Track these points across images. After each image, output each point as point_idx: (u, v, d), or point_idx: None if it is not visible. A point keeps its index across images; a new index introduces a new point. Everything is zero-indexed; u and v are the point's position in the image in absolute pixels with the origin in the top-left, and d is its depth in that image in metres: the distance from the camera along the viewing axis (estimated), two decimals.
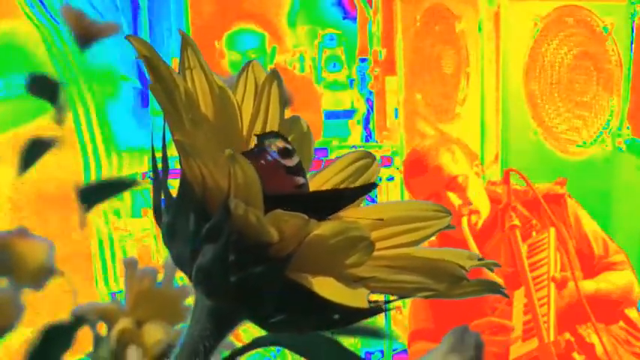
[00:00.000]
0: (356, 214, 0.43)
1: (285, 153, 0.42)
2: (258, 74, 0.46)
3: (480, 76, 2.97)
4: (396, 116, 3.75)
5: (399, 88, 3.71)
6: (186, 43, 0.44)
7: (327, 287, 0.37)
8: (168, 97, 0.40)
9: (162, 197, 0.43)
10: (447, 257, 0.40)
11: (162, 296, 0.44)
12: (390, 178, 3.22)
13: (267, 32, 3.62)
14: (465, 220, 2.02)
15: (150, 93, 0.41)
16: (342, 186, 0.47)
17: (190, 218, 0.40)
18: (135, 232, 2.82)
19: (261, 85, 0.46)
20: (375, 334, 0.44)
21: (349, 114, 3.82)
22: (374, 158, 0.48)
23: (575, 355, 1.69)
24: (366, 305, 0.37)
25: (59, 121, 0.42)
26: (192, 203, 0.40)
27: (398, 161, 3.17)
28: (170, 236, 0.41)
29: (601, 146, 2.33)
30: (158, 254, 2.82)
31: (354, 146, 3.22)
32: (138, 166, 3.05)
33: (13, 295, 0.36)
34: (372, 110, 3.77)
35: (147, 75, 0.41)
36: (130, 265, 0.46)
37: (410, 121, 3.65)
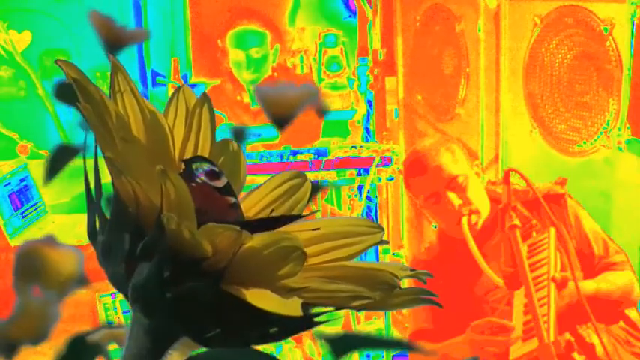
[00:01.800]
0: (291, 229, 0.43)
1: (213, 175, 0.42)
2: (188, 98, 0.46)
3: (480, 76, 2.97)
4: (396, 116, 3.75)
5: (399, 88, 3.71)
6: (116, 67, 0.44)
7: (261, 298, 0.38)
8: (98, 117, 0.41)
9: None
10: (381, 267, 0.41)
11: None
12: (390, 179, 3.22)
13: (269, 31, 3.62)
14: (464, 220, 2.02)
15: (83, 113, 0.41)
16: (274, 205, 0.47)
17: (125, 237, 0.41)
18: None
19: (191, 108, 0.46)
20: (400, 345, 0.44)
21: (349, 114, 3.83)
22: (305, 178, 0.49)
23: (575, 355, 1.69)
24: (299, 314, 0.37)
25: (86, 127, 0.42)
26: (126, 222, 0.41)
27: (398, 161, 3.17)
28: (105, 256, 0.42)
29: (601, 146, 2.33)
30: None
31: (354, 146, 3.22)
32: None
33: (50, 304, 0.36)
34: (372, 110, 3.77)
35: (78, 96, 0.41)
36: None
37: (410, 121, 3.65)
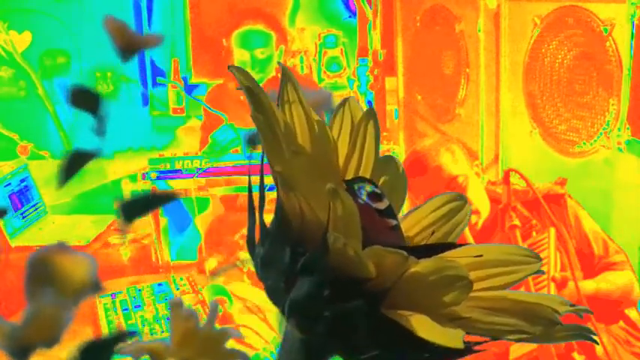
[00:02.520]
0: (452, 254, 0.42)
1: (375, 197, 0.41)
2: (354, 111, 0.46)
3: (480, 76, 2.97)
4: (396, 117, 3.75)
5: (399, 88, 3.71)
6: (286, 77, 0.43)
7: (422, 326, 0.37)
8: (269, 127, 0.40)
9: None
10: (541, 301, 0.40)
11: (206, 337, 0.44)
12: None
13: (275, 32, 3.62)
14: None
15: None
16: (433, 227, 0.46)
17: (286, 250, 0.40)
18: (135, 232, 2.82)
19: (357, 122, 0.45)
20: None
21: None
22: (466, 201, 0.48)
23: (575, 355, 1.69)
24: (461, 346, 0.36)
25: (100, 132, 0.42)
26: (289, 236, 0.40)
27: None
28: (264, 268, 0.41)
29: (601, 146, 2.33)
30: (158, 254, 2.82)
31: None
32: (137, 166, 3.05)
33: (62, 307, 0.36)
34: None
35: (249, 104, 0.41)
36: (175, 305, 0.46)
37: (410, 121, 3.65)
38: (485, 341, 0.40)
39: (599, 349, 1.78)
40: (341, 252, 0.36)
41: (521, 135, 2.73)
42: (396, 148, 3.30)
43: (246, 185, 0.47)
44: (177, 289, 2.25)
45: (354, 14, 3.85)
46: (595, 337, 0.41)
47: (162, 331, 1.98)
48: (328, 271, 0.38)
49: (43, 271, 0.37)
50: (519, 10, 2.70)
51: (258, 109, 0.40)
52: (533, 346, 1.69)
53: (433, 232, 0.46)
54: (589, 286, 1.91)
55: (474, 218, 2.05)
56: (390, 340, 0.38)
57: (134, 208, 0.42)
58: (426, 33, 3.39)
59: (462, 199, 0.47)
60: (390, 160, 0.47)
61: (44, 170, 3.23)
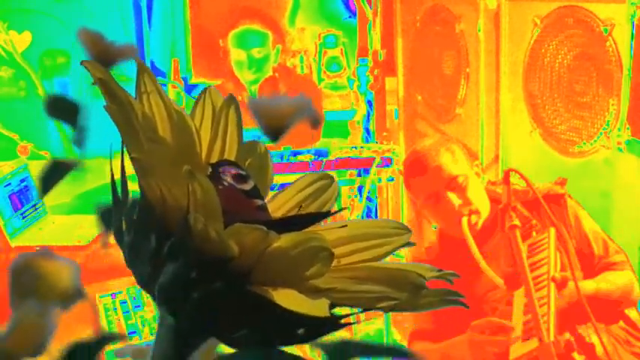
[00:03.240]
0: (317, 230, 0.43)
1: (240, 178, 0.42)
2: (215, 100, 0.46)
3: (480, 76, 2.97)
4: (396, 117, 3.75)
5: (399, 88, 3.71)
6: (142, 68, 0.44)
7: (288, 298, 0.37)
8: (124, 117, 0.41)
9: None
10: (408, 268, 0.41)
11: None
12: (390, 179, 3.22)
13: (271, 32, 3.62)
14: (464, 220, 2.02)
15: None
16: (301, 206, 0.47)
17: (151, 238, 0.40)
18: None
19: (218, 110, 0.46)
20: (399, 352, 0.44)
21: (349, 114, 3.83)
22: (332, 179, 0.49)
23: (575, 355, 1.69)
24: (327, 314, 0.37)
25: (79, 143, 0.42)
26: (152, 223, 0.41)
27: (398, 162, 3.17)
28: (132, 257, 0.42)
29: (601, 146, 2.33)
30: None
31: (354, 147, 3.22)
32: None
33: (46, 315, 0.36)
34: (372, 111, 3.77)
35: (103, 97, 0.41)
36: (138, 353, 0.47)
37: (410, 121, 3.65)
38: (354, 313, 0.40)
39: (599, 349, 1.78)
40: (203, 233, 0.37)
41: (521, 135, 2.73)
42: (396, 148, 3.30)
43: None
44: None
45: (354, 14, 3.85)
46: (463, 301, 0.41)
47: None
48: (193, 254, 0.38)
49: (24, 278, 0.37)
50: (519, 10, 2.70)
51: (112, 100, 0.41)
52: (533, 346, 1.69)
53: (300, 208, 0.47)
54: (589, 286, 1.91)
55: (473, 218, 2.04)
56: (260, 317, 0.38)
57: (49, 176, 0.42)
58: (426, 33, 3.39)
59: (328, 178, 0.48)
60: (253, 144, 0.48)
61: None
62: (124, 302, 2.11)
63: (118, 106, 0.41)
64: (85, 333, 0.42)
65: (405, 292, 0.40)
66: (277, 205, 0.47)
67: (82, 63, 0.42)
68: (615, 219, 2.32)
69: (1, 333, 0.37)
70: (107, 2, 3.73)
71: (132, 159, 0.40)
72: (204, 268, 0.38)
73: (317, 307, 0.37)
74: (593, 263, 2.01)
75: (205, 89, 0.47)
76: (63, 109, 0.41)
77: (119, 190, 0.44)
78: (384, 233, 0.43)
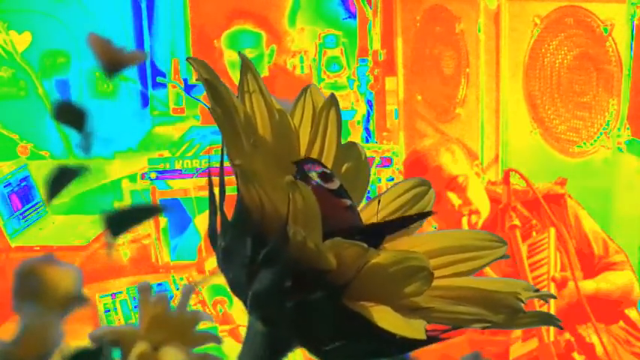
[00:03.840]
0: (413, 242, 0.42)
1: (326, 177, 0.41)
2: (315, 99, 0.46)
3: (480, 76, 2.97)
4: (396, 117, 3.75)
5: (399, 88, 3.71)
6: (246, 67, 0.43)
7: (384, 317, 0.37)
8: (228, 121, 0.40)
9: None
10: (503, 289, 0.40)
11: (176, 321, 0.44)
12: (390, 179, 3.22)
13: (265, 32, 3.61)
14: (465, 220, 2.02)
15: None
16: (397, 214, 0.46)
17: (247, 243, 0.40)
18: (135, 232, 2.82)
19: (319, 109, 0.45)
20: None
21: (349, 114, 3.83)
22: (429, 186, 0.47)
23: (575, 355, 1.69)
24: (424, 337, 0.36)
25: (86, 149, 0.41)
26: (249, 228, 0.40)
27: (398, 162, 3.17)
28: (226, 260, 0.41)
29: (601, 146, 2.33)
30: (158, 254, 2.82)
31: None
32: (137, 167, 3.05)
33: (53, 322, 0.36)
34: (372, 111, 3.77)
35: (208, 97, 0.41)
36: (144, 289, 0.46)
37: (410, 121, 3.65)
38: (448, 329, 0.40)
39: (599, 349, 1.78)
40: (301, 245, 0.36)
41: (521, 135, 2.73)
42: (396, 148, 3.30)
43: None
44: (178, 289, 2.25)
45: (354, 15, 3.85)
46: (559, 323, 0.41)
47: None
48: (289, 263, 0.37)
49: (28, 284, 0.37)
50: (519, 10, 2.70)
51: (217, 102, 0.40)
52: (533, 345, 1.69)
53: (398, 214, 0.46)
54: (589, 286, 1.91)
55: (474, 218, 2.05)
56: (353, 332, 0.38)
57: (121, 220, 0.42)
58: (426, 33, 3.39)
59: (425, 184, 0.47)
60: (352, 146, 0.47)
61: (44, 170, 3.23)
62: (124, 302, 2.11)
63: (223, 109, 0.40)
64: (84, 333, 0.42)
65: (501, 315, 0.39)
66: (372, 212, 0.45)
67: (187, 60, 0.42)
68: (615, 219, 2.32)
69: (9, 340, 0.36)
70: (107, 2, 3.73)
71: (233, 165, 0.39)
72: (300, 278, 0.38)
73: (414, 328, 0.37)
74: (593, 263, 2.01)
75: (306, 88, 0.46)
76: (69, 114, 0.41)
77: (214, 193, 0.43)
78: (479, 246, 0.42)
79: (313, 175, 0.41)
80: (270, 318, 0.39)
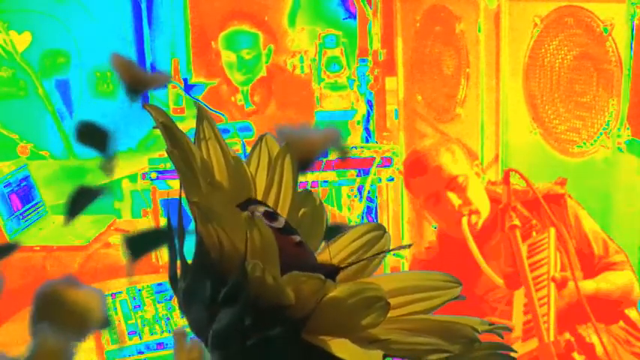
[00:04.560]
0: (372, 281, 0.43)
1: (270, 216, 0.42)
2: (271, 147, 0.47)
3: (480, 76, 2.97)
4: (396, 117, 3.75)
5: (399, 88, 3.71)
6: (202, 115, 0.44)
7: (343, 349, 0.37)
8: (185, 162, 0.41)
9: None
10: (459, 320, 0.41)
11: None
12: (390, 179, 3.22)
13: (262, 32, 3.61)
14: (465, 220, 2.02)
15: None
16: (354, 257, 0.47)
17: (207, 283, 0.40)
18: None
19: (274, 157, 0.46)
20: None
21: (349, 114, 3.83)
22: (385, 230, 0.48)
23: (575, 355, 1.69)
24: None
25: (107, 170, 0.42)
26: (209, 268, 0.41)
27: (398, 162, 3.17)
28: (187, 302, 0.42)
29: (601, 147, 2.33)
30: (158, 254, 2.82)
31: (354, 147, 3.22)
32: (137, 167, 3.05)
33: (68, 344, 0.36)
34: (372, 111, 3.78)
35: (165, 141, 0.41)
36: (179, 335, 0.46)
37: (410, 121, 3.65)
38: None
39: (599, 349, 1.78)
40: (260, 280, 0.37)
41: (521, 135, 2.73)
42: (396, 148, 3.30)
43: None
44: None
45: (354, 15, 3.85)
46: (514, 354, 0.42)
47: (162, 331, 1.98)
48: (249, 301, 0.38)
49: (52, 306, 0.37)
50: (519, 10, 2.70)
51: (173, 145, 0.41)
52: (533, 345, 1.69)
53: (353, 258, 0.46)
54: (589, 286, 1.91)
55: (474, 218, 2.04)
56: None
57: (141, 243, 0.42)
58: (426, 33, 3.39)
59: (380, 229, 0.48)
60: (307, 194, 0.48)
61: (44, 170, 3.23)
62: (124, 302, 2.11)
63: (180, 151, 0.41)
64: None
65: (457, 345, 0.40)
66: (331, 255, 0.46)
67: (144, 106, 0.43)
68: (615, 219, 2.32)
69: (20, 357, 0.36)
70: (107, 2, 3.73)
71: (190, 203, 0.40)
72: (260, 315, 0.38)
73: (371, 358, 0.37)
74: (593, 263, 2.01)
75: (262, 136, 0.47)
76: (92, 135, 0.41)
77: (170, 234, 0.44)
78: (435, 286, 0.43)
79: (257, 214, 0.41)
80: (232, 357, 0.39)
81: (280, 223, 0.42)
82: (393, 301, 0.40)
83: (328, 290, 0.37)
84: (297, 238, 0.42)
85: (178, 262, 0.43)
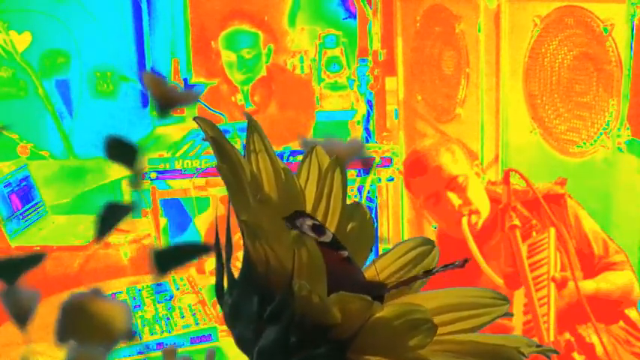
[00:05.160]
0: (416, 300, 0.43)
1: (318, 230, 0.41)
2: (321, 159, 0.46)
3: (480, 76, 2.97)
4: (396, 117, 3.75)
5: (399, 88, 3.71)
6: (253, 127, 0.44)
7: None
8: (234, 177, 0.41)
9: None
10: (507, 343, 0.41)
11: None
12: (390, 179, 3.22)
13: (262, 32, 3.61)
14: (465, 220, 2.02)
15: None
16: (402, 272, 0.46)
17: (254, 299, 0.40)
18: (135, 232, 2.82)
19: (324, 170, 0.46)
20: None
21: (349, 114, 3.83)
22: (433, 245, 0.48)
23: (575, 355, 1.69)
24: None
25: (136, 185, 0.41)
26: (255, 284, 0.41)
27: (398, 162, 3.17)
28: (233, 317, 0.42)
29: (601, 147, 2.33)
30: None
31: None
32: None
33: (100, 357, 0.36)
34: (372, 111, 3.77)
35: (215, 156, 0.41)
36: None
37: (410, 121, 3.65)
38: None
39: (599, 349, 1.78)
40: (306, 299, 0.37)
41: (521, 135, 2.73)
42: (396, 148, 3.30)
43: None
44: (177, 289, 2.25)
45: (354, 15, 3.85)
46: None
47: (162, 331, 1.98)
48: (295, 319, 0.38)
49: (78, 318, 0.37)
50: (519, 10, 2.70)
51: (223, 160, 0.41)
52: None
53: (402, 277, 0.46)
54: (589, 286, 1.91)
55: (474, 218, 2.04)
56: None
57: (170, 258, 0.42)
58: (426, 33, 3.39)
59: (429, 244, 0.48)
60: (357, 207, 0.47)
61: (44, 170, 3.23)
62: (123, 302, 2.11)
63: (229, 165, 0.41)
64: None
65: None
66: (378, 269, 0.46)
67: (194, 119, 0.43)
68: (615, 219, 2.32)
69: None
70: (107, 2, 3.73)
71: (239, 221, 0.40)
72: (305, 333, 0.38)
73: None
74: (593, 263, 2.01)
75: (312, 148, 0.46)
76: (121, 150, 0.41)
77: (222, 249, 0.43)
78: (483, 303, 0.43)
79: (305, 228, 0.41)
80: None
81: (328, 237, 0.41)
82: (438, 319, 0.40)
83: (375, 311, 0.37)
84: (345, 254, 0.42)
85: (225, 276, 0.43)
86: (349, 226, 0.46)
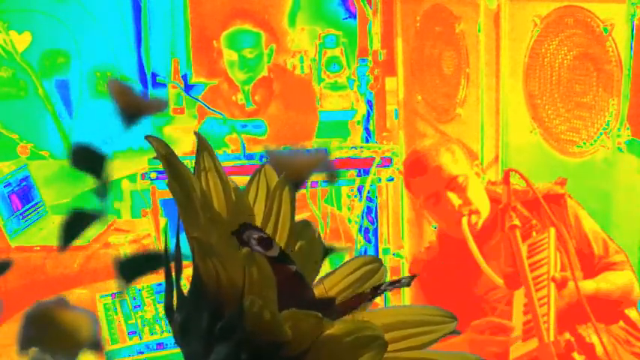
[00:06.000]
0: (366, 317, 0.43)
1: (265, 243, 0.41)
2: (270, 178, 0.47)
3: (480, 76, 2.97)
4: (396, 117, 3.75)
5: (399, 88, 3.71)
6: (202, 146, 0.44)
7: None
8: (185, 196, 0.41)
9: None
10: (455, 357, 0.41)
11: None
12: (390, 179, 3.22)
13: (264, 31, 3.61)
14: (465, 220, 2.02)
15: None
16: (350, 290, 0.47)
17: (204, 316, 0.40)
18: (135, 232, 2.82)
19: (273, 189, 0.46)
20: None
21: (349, 114, 3.83)
22: (381, 263, 0.48)
23: (575, 355, 1.69)
24: None
25: (102, 194, 0.41)
26: (205, 301, 0.40)
27: (398, 162, 3.17)
28: (183, 334, 0.41)
29: (601, 146, 2.33)
30: None
31: (354, 147, 3.22)
32: (137, 167, 3.05)
33: None
34: (372, 111, 3.78)
35: (165, 173, 0.41)
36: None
37: (410, 121, 3.65)
38: None
39: (599, 349, 1.78)
40: (257, 315, 0.37)
41: (521, 135, 2.73)
42: (396, 148, 3.30)
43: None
44: None
45: (354, 15, 3.85)
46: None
47: (162, 331, 1.98)
48: (245, 336, 0.38)
49: (42, 326, 0.36)
50: (519, 10, 2.70)
51: (174, 177, 0.41)
52: (533, 345, 1.68)
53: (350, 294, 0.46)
54: (589, 286, 1.91)
55: (474, 218, 2.04)
56: None
57: (133, 267, 0.42)
58: (426, 33, 3.39)
59: (377, 262, 0.48)
60: (306, 225, 0.47)
61: (44, 170, 3.23)
62: (123, 302, 2.11)
63: (180, 183, 0.41)
64: None
65: None
66: (327, 287, 0.46)
67: (146, 138, 0.43)
68: (615, 219, 2.32)
69: None
70: (107, 2, 3.73)
71: (189, 238, 0.40)
72: (256, 350, 0.38)
73: None
74: (593, 263, 2.01)
75: (260, 167, 0.47)
76: (87, 159, 0.41)
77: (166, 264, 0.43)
78: (431, 321, 0.43)
79: (252, 241, 0.40)
80: None
81: (275, 251, 0.41)
82: (388, 336, 0.40)
83: (325, 328, 0.37)
84: (294, 268, 0.41)
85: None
86: (298, 244, 0.46)
